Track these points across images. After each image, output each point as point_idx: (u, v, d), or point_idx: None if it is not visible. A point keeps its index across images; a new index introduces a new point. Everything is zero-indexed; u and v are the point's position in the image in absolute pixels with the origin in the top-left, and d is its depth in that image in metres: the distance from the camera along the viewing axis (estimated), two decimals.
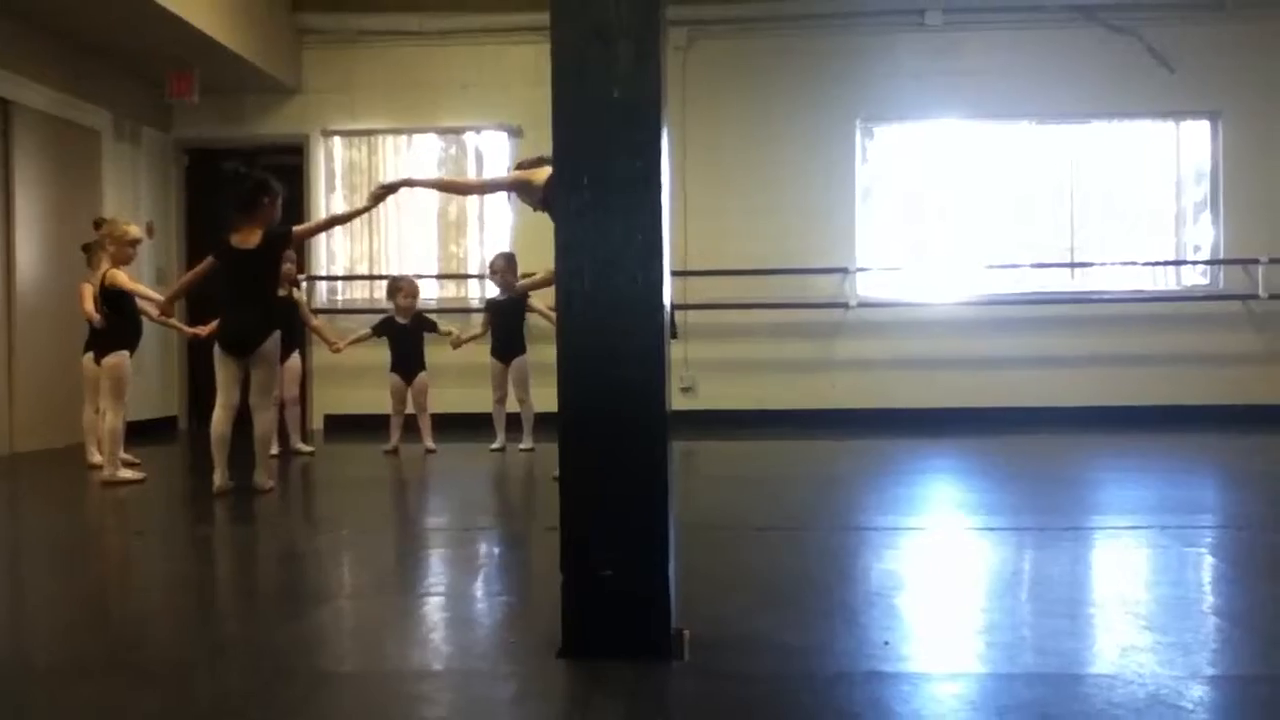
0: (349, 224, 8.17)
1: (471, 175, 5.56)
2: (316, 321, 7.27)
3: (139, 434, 8.30)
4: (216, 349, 5.06)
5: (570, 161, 2.43)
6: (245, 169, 5.36)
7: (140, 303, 5.73)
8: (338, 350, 6.80)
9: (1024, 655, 2.41)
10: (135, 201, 8.41)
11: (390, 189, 5.29)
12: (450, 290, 8.96)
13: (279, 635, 2.69)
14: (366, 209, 5.50)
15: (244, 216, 5.03)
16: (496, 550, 3.90)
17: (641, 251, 2.41)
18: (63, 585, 3.40)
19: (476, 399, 7.23)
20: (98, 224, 5.87)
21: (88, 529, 4.63)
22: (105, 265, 5.57)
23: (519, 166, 5.58)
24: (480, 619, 2.89)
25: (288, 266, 6.10)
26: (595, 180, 2.41)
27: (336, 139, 8.95)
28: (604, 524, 2.35)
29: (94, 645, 2.66)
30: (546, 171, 5.37)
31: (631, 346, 2.39)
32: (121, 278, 5.53)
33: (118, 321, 5.58)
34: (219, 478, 4.97)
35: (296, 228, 5.32)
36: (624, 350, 2.39)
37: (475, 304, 8.46)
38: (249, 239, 4.98)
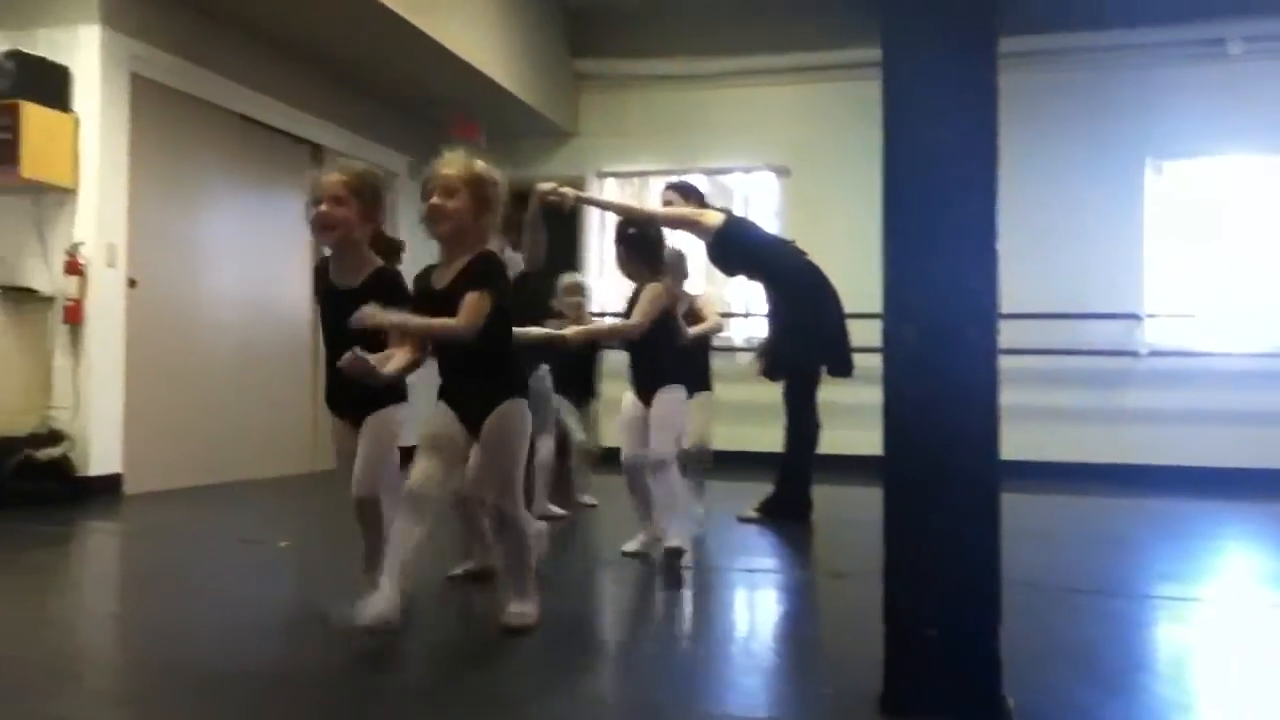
0: (589, 264, 8.71)
1: (710, 211, 5.39)
2: None
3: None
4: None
5: (900, 207, 2.37)
6: None
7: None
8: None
9: None
10: (427, 240, 8.95)
11: (560, 197, 4.76)
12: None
13: (585, 672, 2.74)
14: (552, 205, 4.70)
15: None
16: (784, 595, 3.85)
17: (974, 298, 2.32)
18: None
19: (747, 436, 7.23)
20: None
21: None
22: None
23: (667, 202, 5.33)
24: (786, 666, 2.84)
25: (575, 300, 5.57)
26: (926, 227, 2.35)
27: (610, 180, 9.24)
28: (930, 580, 2.26)
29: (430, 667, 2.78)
30: (716, 216, 5.23)
31: (963, 396, 2.30)
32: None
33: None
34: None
35: None
36: (955, 400, 2.31)
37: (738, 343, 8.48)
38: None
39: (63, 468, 5.64)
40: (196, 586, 3.71)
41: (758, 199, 8.93)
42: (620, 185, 9.26)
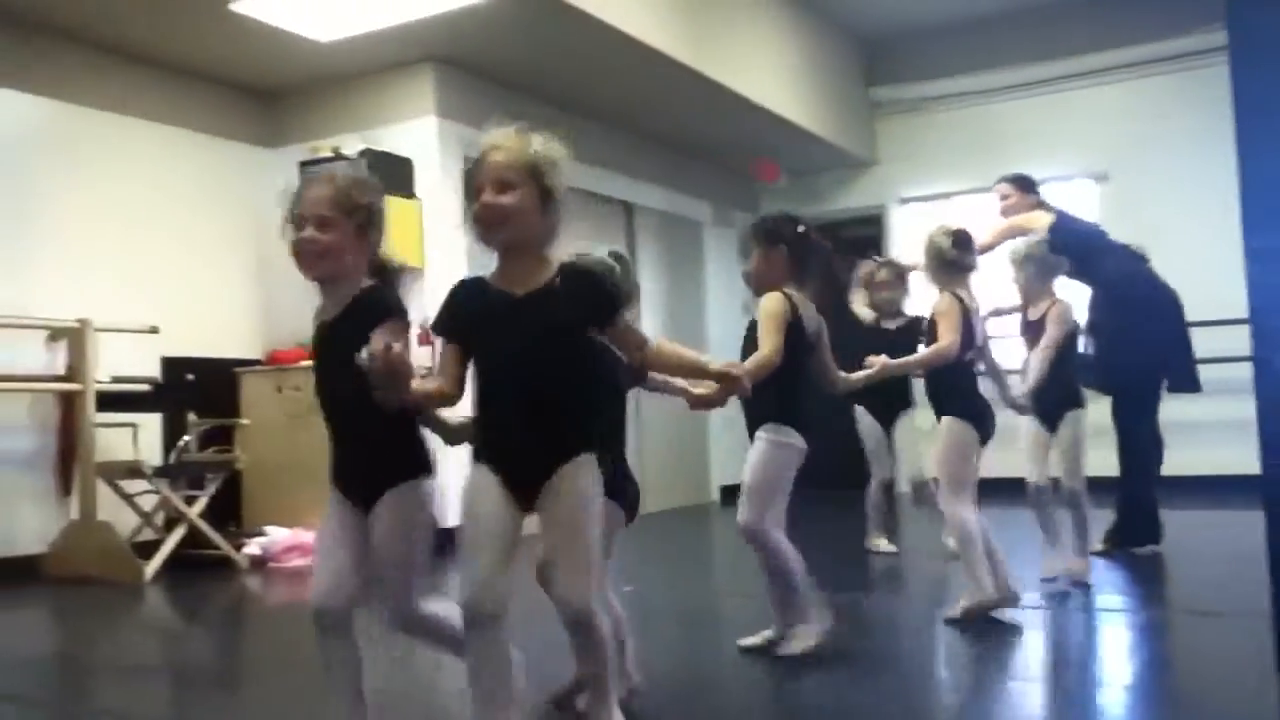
0: None
1: (1037, 213, 5.31)
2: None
3: None
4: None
5: (1262, 225, 2.23)
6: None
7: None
8: None
9: None
10: (731, 281, 9.21)
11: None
12: None
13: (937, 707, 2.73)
14: None
15: None
16: (1140, 636, 3.64)
17: None
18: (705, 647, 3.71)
19: None
20: None
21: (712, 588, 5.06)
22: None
23: (1004, 196, 5.43)
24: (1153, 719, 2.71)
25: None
26: None
27: (911, 206, 9.11)
28: None
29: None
30: (1046, 217, 5.09)
31: None
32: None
33: None
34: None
35: None
36: None
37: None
38: None
39: None
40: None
41: (1074, 209, 8.48)
42: (921, 211, 9.10)
